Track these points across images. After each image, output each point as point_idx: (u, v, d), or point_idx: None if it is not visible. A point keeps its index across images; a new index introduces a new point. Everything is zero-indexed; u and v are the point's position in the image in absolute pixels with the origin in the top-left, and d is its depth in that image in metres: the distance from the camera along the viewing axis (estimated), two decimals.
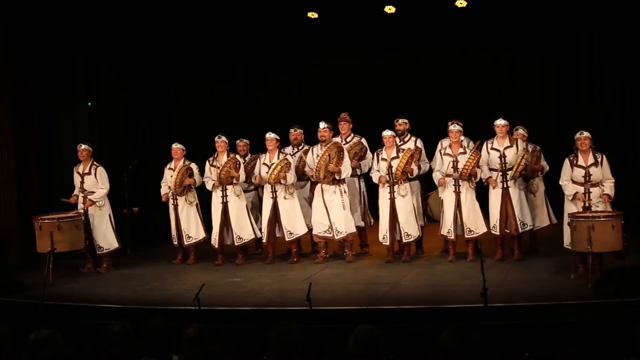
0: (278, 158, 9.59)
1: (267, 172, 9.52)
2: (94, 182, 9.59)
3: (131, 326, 4.34)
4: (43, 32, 10.73)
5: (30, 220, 9.64)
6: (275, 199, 9.61)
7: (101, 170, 9.66)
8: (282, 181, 9.46)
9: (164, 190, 10.03)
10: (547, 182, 9.53)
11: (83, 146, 9.70)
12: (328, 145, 9.34)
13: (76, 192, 9.71)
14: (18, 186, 10.49)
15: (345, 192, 9.42)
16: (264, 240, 9.73)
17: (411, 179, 9.42)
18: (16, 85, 10.49)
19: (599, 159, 8.15)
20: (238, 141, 10.41)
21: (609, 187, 8.13)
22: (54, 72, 11.07)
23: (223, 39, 12.79)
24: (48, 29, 10.76)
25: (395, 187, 9.23)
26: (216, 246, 9.80)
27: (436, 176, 9.32)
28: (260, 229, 9.93)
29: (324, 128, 9.50)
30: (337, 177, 9.36)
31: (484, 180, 9.14)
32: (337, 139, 9.69)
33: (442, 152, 9.30)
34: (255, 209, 10.28)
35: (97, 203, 9.58)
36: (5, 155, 10.33)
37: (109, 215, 9.74)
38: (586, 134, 8.21)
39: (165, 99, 12.90)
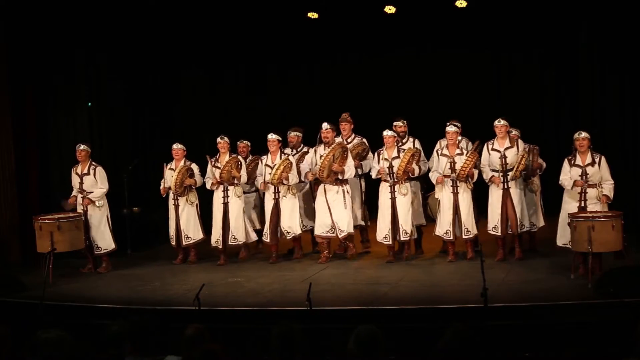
0: (280, 159, 9.60)
1: (269, 174, 9.54)
2: (93, 182, 9.58)
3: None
4: (43, 33, 10.73)
5: (30, 220, 9.64)
6: (277, 199, 9.61)
7: (100, 170, 9.64)
8: (285, 182, 9.47)
9: (163, 186, 10.02)
10: (543, 182, 9.54)
11: (82, 146, 9.69)
12: (333, 146, 9.35)
13: (74, 193, 9.69)
14: (18, 186, 10.49)
15: (348, 192, 9.43)
16: (268, 240, 9.73)
17: (412, 178, 9.42)
18: (16, 85, 10.49)
19: (597, 160, 8.17)
20: (238, 142, 10.41)
21: (608, 188, 8.13)
22: (54, 72, 11.07)
23: (223, 39, 12.79)
24: (48, 29, 10.76)
25: (396, 187, 9.23)
26: (220, 247, 9.81)
27: (433, 176, 9.32)
28: (261, 230, 9.94)
29: (327, 129, 9.53)
30: (340, 177, 9.36)
31: (487, 181, 9.13)
32: (339, 139, 9.70)
33: (440, 152, 9.30)
34: (256, 209, 10.28)
35: (96, 203, 9.57)
36: (5, 155, 10.33)
37: (107, 215, 9.73)
38: (584, 134, 8.23)
39: (166, 99, 12.90)
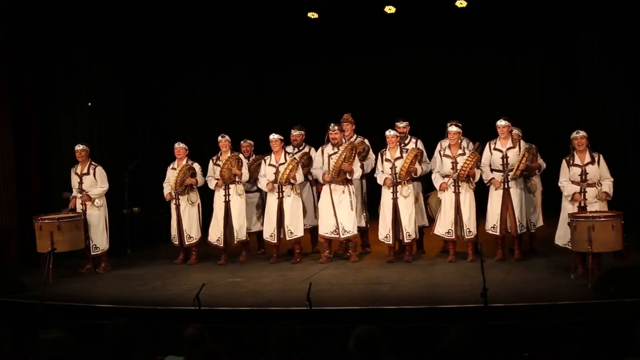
0: (284, 159, 9.59)
1: (274, 173, 9.53)
2: (92, 182, 9.57)
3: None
4: (43, 33, 10.72)
5: (30, 220, 9.63)
6: (281, 198, 9.61)
7: (100, 170, 9.63)
8: (292, 181, 9.47)
9: (166, 190, 10.00)
10: (543, 182, 9.54)
11: (81, 147, 9.67)
12: (345, 146, 9.35)
13: (74, 193, 9.68)
14: (18, 186, 10.49)
15: (353, 192, 9.43)
16: (270, 240, 9.73)
17: (414, 179, 9.42)
18: (16, 85, 10.49)
19: (596, 158, 8.16)
20: (242, 142, 10.42)
21: (607, 185, 8.12)
22: (54, 72, 11.07)
23: (223, 38, 12.80)
24: (48, 29, 10.76)
25: (399, 188, 9.23)
26: (221, 245, 9.81)
27: (435, 177, 9.32)
28: (261, 229, 9.94)
29: (336, 130, 9.53)
30: (349, 177, 9.36)
31: (485, 182, 9.13)
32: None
33: (442, 153, 9.30)
34: (259, 209, 10.28)
35: (95, 202, 9.55)
36: (5, 155, 10.33)
37: (105, 216, 9.71)
38: (582, 133, 8.22)
39: (165, 99, 12.90)
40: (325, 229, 9.52)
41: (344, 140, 9.67)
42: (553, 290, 7.44)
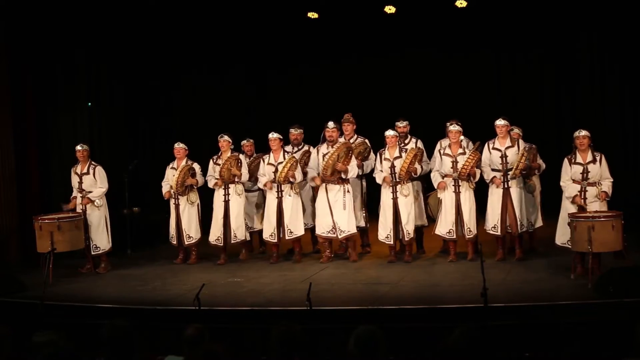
0: (283, 157, 9.59)
1: (273, 172, 9.53)
2: (92, 182, 9.58)
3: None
4: (43, 33, 10.73)
5: (30, 220, 9.63)
6: (280, 198, 9.61)
7: (100, 170, 9.64)
8: (292, 179, 9.47)
9: (165, 188, 10.02)
10: (543, 182, 9.54)
11: (82, 147, 9.68)
12: (338, 145, 9.34)
13: (74, 193, 9.69)
14: (18, 186, 10.49)
15: (349, 191, 9.42)
16: (274, 240, 9.72)
17: (413, 178, 9.42)
18: (16, 85, 10.49)
19: (598, 158, 8.17)
20: (245, 141, 10.42)
21: (607, 185, 8.14)
22: (54, 72, 11.07)
23: (223, 38, 12.80)
24: (48, 29, 10.77)
25: (398, 187, 9.24)
26: (220, 244, 9.82)
27: (435, 176, 9.32)
28: (262, 228, 9.94)
29: (333, 128, 9.53)
30: (344, 177, 9.36)
31: (487, 181, 9.13)
32: (342, 139, 9.69)
33: (442, 152, 9.31)
34: (260, 208, 10.29)
35: (95, 202, 9.56)
36: (5, 155, 10.33)
37: (106, 216, 9.72)
38: (584, 132, 8.23)
39: (165, 99, 12.90)
40: (322, 228, 9.52)
41: (343, 140, 9.67)
42: (553, 290, 7.44)
